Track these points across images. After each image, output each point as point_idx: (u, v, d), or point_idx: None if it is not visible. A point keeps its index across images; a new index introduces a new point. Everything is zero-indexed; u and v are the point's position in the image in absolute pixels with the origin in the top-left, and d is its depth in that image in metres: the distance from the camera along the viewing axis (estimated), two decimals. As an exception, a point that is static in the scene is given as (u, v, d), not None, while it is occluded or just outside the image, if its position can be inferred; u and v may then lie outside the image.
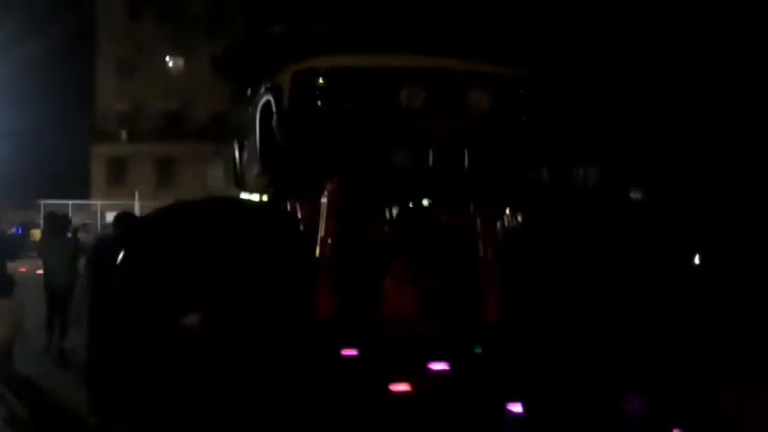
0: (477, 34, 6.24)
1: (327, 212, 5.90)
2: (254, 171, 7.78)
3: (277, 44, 6.88)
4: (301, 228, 6.11)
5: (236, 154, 9.28)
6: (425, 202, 6.01)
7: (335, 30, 6.46)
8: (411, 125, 5.52)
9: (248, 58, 15.60)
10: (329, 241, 5.90)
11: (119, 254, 6.16)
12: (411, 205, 6.01)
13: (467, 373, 5.97)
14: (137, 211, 31.10)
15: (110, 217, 32.97)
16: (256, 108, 7.04)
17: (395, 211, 6.09)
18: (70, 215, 16.98)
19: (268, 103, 6.16)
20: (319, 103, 5.51)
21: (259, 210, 6.42)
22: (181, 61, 42.37)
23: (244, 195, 9.88)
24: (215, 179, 41.59)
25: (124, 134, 42.25)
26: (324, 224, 5.94)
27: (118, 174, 41.76)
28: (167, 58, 42.57)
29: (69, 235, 10.27)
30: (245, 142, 8.67)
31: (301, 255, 5.95)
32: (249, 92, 9.08)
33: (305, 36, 6.53)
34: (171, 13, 40.03)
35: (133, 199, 35.29)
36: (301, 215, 6.38)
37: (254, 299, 5.77)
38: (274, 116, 5.81)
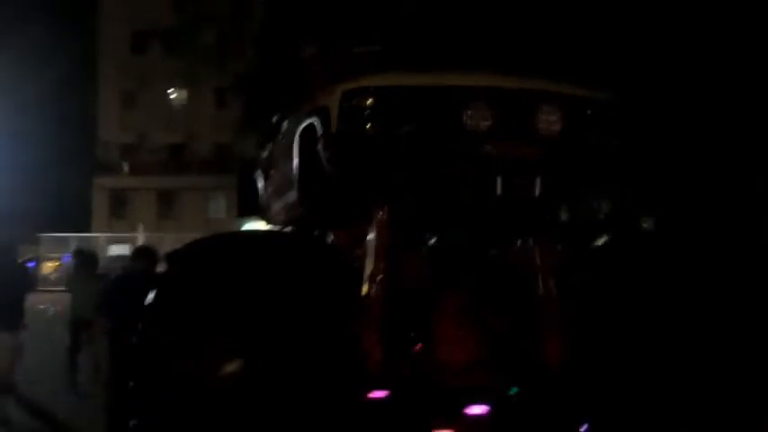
0: (547, 50, 5.74)
1: (377, 247, 5.37)
2: (283, 202, 7.27)
3: (317, 63, 6.37)
4: (352, 264, 5.59)
5: (261, 184, 8.77)
6: (483, 233, 5.50)
7: (386, 46, 5.93)
8: (475, 150, 5.01)
9: (278, 80, 15.19)
10: (379, 279, 5.37)
11: (145, 292, 5.63)
12: (468, 237, 5.49)
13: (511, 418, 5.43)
14: (141, 244, 30.66)
15: (113, 250, 32.51)
16: (292, 133, 6.54)
17: (448, 243, 5.56)
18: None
19: (310, 126, 5.66)
20: (371, 126, 5.00)
21: (310, 245, 5.89)
22: (184, 94, 42.11)
23: (266, 228, 9.40)
24: (217, 211, 41.30)
25: (126, 166, 41.89)
26: (373, 260, 5.41)
27: (119, 206, 41.32)
28: (170, 91, 42.32)
29: (97, 271, 10.51)
30: (271, 171, 8.17)
31: (355, 295, 5.43)
32: (278, 118, 8.63)
33: (351, 53, 5.99)
34: (175, 45, 39.82)
35: (134, 231, 34.86)
36: (344, 249, 5.86)
37: (305, 344, 5.24)
38: (319, 140, 5.29)
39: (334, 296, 5.64)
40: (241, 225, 32.91)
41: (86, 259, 10.44)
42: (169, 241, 30.81)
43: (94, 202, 42.57)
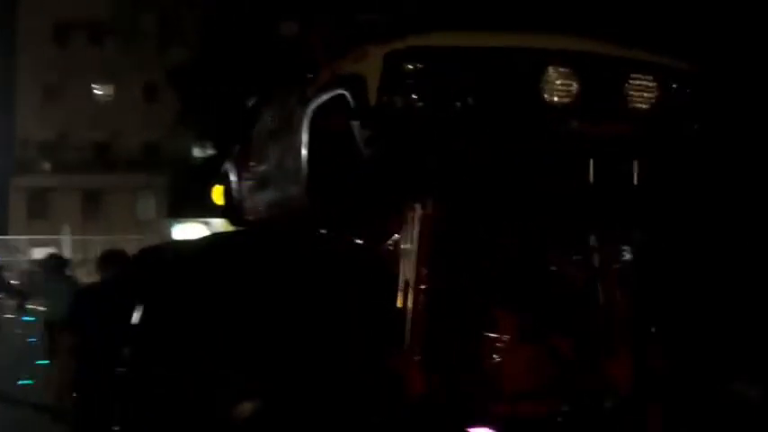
0: (638, 13, 4.77)
1: (420, 250, 4.35)
2: (268, 198, 6.17)
3: (320, 34, 5.30)
4: (384, 271, 4.56)
5: (233, 180, 7.63)
6: (559, 234, 4.53)
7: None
8: (557, 128, 4.04)
9: (251, 62, 13.95)
10: (421, 290, 4.36)
11: (123, 308, 4.49)
12: (538, 237, 4.51)
13: None
14: (66, 247, 28.78)
15: (35, 253, 30.52)
16: (290, 117, 5.47)
17: (511, 246, 4.57)
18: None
19: (328, 104, 4.61)
20: (424, 97, 3.97)
21: (327, 248, 4.82)
22: (110, 89, 40.13)
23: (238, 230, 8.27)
24: (147, 212, 39.44)
25: (48, 165, 39.68)
26: (413, 266, 4.39)
27: (40, 207, 39.08)
28: (95, 86, 40.30)
29: (68, 273, 10.74)
30: (250, 164, 7.05)
31: (388, 309, 4.41)
32: (256, 104, 7.52)
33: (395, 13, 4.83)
34: (99, 38, 37.97)
35: (56, 233, 32.98)
36: (370, 253, 4.82)
37: (332, 379, 4.20)
38: (349, 118, 4.24)
39: (362, 310, 4.62)
40: (173, 226, 31.24)
41: (58, 263, 10.47)
42: (97, 243, 29.17)
43: (11, 202, 40.25)
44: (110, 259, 5.64)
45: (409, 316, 4.44)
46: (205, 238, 5.48)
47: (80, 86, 39.41)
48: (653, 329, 4.74)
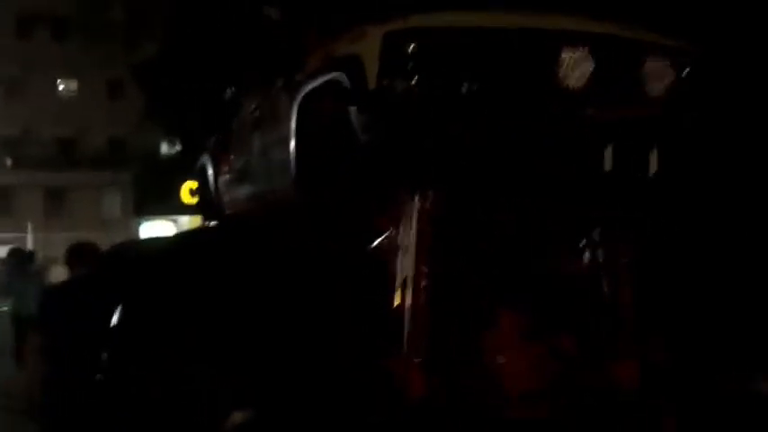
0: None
1: (419, 245, 4.08)
2: (254, 191, 5.87)
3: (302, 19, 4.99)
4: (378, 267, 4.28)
5: (210, 174, 7.31)
6: (570, 226, 4.28)
7: None
8: (570, 114, 3.80)
9: (227, 51, 13.54)
10: (420, 287, 4.09)
11: (96, 308, 4.17)
12: (547, 231, 4.26)
13: None
14: (30, 245, 28.12)
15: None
16: (275, 104, 5.18)
17: (508, 239, 4.31)
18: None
19: (320, 89, 4.33)
20: (426, 79, 3.70)
21: (318, 242, 4.53)
22: (74, 84, 39.39)
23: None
24: (112, 209, 38.77)
25: (10, 161, 38.82)
26: (411, 262, 4.12)
27: (2, 204, 38.23)
28: (59, 81, 39.53)
29: (34, 269, 10.90)
30: (229, 157, 6.74)
31: (383, 307, 4.14)
32: (234, 93, 7.22)
33: None
34: (64, 32, 37.28)
35: (21, 230, 32.32)
36: (365, 249, 4.54)
37: (325, 382, 3.93)
38: (344, 102, 3.96)
39: (356, 309, 4.35)
40: (140, 224, 30.66)
41: (21, 258, 10.50)
42: (61, 241, 28.58)
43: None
44: (80, 254, 5.28)
45: (407, 315, 4.19)
46: (187, 234, 5.17)
47: (43, 81, 38.65)
48: (658, 325, 4.53)
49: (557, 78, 3.79)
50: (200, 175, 7.77)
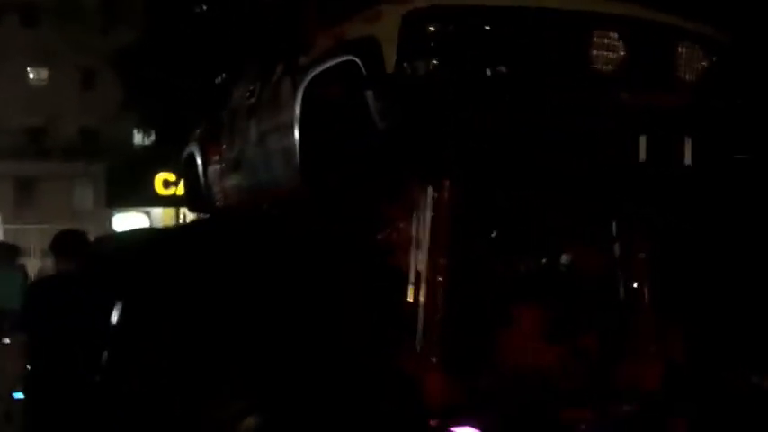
0: None
1: (436, 238, 3.87)
2: (250, 181, 5.61)
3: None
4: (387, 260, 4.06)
5: (199, 164, 7.01)
6: (596, 218, 4.08)
7: None
8: (600, 99, 3.60)
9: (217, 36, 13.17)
10: (436, 283, 3.88)
11: (103, 309, 3.89)
12: (570, 223, 4.06)
13: None
14: (0, 236, 27.50)
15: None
16: (279, 88, 4.92)
17: (528, 232, 4.10)
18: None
19: (327, 74, 4.09)
20: (449, 63, 3.48)
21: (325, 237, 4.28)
22: (45, 73, 38.63)
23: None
24: (83, 201, 38.11)
25: (-23, 151, 38.04)
26: (426, 257, 3.91)
27: (-31, 195, 37.44)
28: (29, 69, 38.74)
29: (18, 262, 10.50)
30: (222, 145, 6.46)
31: (394, 304, 3.92)
32: (226, 80, 6.95)
33: None
34: (35, 19, 36.51)
35: (-10, 222, 31.62)
36: (375, 242, 4.31)
37: (336, 384, 3.71)
38: (358, 89, 3.73)
39: (367, 306, 4.13)
40: (112, 215, 30.00)
41: (5, 250, 10.25)
42: (32, 233, 27.97)
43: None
44: (67, 243, 4.93)
45: (422, 312, 3.98)
46: (187, 227, 4.88)
47: (13, 69, 37.86)
48: (677, 323, 4.37)
49: (587, 63, 3.59)
50: (187, 166, 7.46)
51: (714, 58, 3.84)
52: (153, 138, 26.84)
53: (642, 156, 3.75)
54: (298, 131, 4.45)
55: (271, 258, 4.26)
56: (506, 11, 3.60)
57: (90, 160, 35.56)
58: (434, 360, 3.86)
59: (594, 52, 3.60)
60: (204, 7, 18.68)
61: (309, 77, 4.33)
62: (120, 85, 24.31)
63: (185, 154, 7.54)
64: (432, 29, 3.52)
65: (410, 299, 4.01)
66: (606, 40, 3.61)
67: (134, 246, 4.46)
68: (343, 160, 4.15)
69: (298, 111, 4.44)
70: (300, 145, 4.44)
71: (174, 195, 26.58)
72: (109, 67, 24.03)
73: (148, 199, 27.88)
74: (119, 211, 32.06)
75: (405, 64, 3.54)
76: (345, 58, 3.92)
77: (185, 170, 7.62)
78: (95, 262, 4.61)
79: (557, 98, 3.57)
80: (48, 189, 37.40)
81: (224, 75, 7.09)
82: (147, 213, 30.68)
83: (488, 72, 3.50)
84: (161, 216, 28.36)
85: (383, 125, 3.69)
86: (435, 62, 3.51)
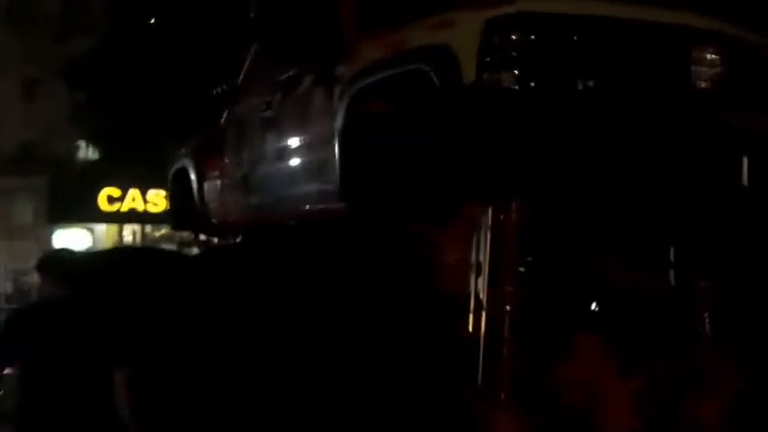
0: None
1: (503, 262, 3.56)
2: (268, 198, 5.20)
3: None
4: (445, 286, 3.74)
5: (193, 178, 6.58)
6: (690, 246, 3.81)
7: None
8: (700, 119, 3.35)
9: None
10: (500, 312, 3.57)
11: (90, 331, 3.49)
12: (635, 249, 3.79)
13: None
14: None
15: None
16: (310, 98, 4.57)
17: (600, 258, 3.82)
18: None
19: (388, 83, 3.75)
20: (537, 76, 3.20)
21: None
22: (-17, 83, 37.38)
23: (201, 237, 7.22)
24: (23, 217, 36.84)
25: None
26: (488, 283, 3.60)
27: None
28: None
29: None
30: (226, 159, 6.05)
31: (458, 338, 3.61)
32: (228, 89, 6.55)
33: None
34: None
35: None
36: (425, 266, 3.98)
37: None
38: (435, 99, 3.40)
39: (420, 337, 3.80)
40: (53, 231, 29.03)
41: None
42: (-33, 250, 26.80)
43: None
44: (55, 264, 4.44)
45: (483, 344, 3.66)
46: (210, 251, 4.44)
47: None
48: (745, 354, 4.13)
49: (684, 79, 3.35)
50: (177, 182, 7.02)
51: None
52: (98, 152, 26.17)
53: (727, 178, 3.52)
54: (338, 145, 4.11)
55: (309, 286, 3.93)
56: (601, 21, 3.34)
57: (30, 175, 34.48)
58: (499, 397, 3.55)
59: (693, 68, 3.37)
60: (154, 21, 18.21)
61: (356, 88, 4.00)
62: (69, 96, 23.60)
63: (174, 169, 7.09)
64: (518, 37, 3.23)
65: (470, 329, 3.71)
66: (705, 56, 3.38)
67: (148, 268, 4.05)
68: (395, 176, 3.83)
69: (339, 123, 4.11)
70: (341, 160, 4.10)
71: (119, 212, 25.80)
72: (58, 78, 23.26)
73: (92, 215, 27.09)
74: (60, 228, 31.08)
75: (485, 74, 3.25)
76: (409, 67, 3.60)
77: (173, 186, 7.17)
78: (100, 284, 4.17)
79: (651, 114, 3.32)
80: (-16, 204, 36.14)
81: (224, 83, 6.69)
82: (90, 230, 29.76)
83: (579, 85, 3.23)
84: (104, 233, 27.51)
85: (452, 138, 3.37)
86: (521, 73, 3.22)
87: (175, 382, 3.77)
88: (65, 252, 4.95)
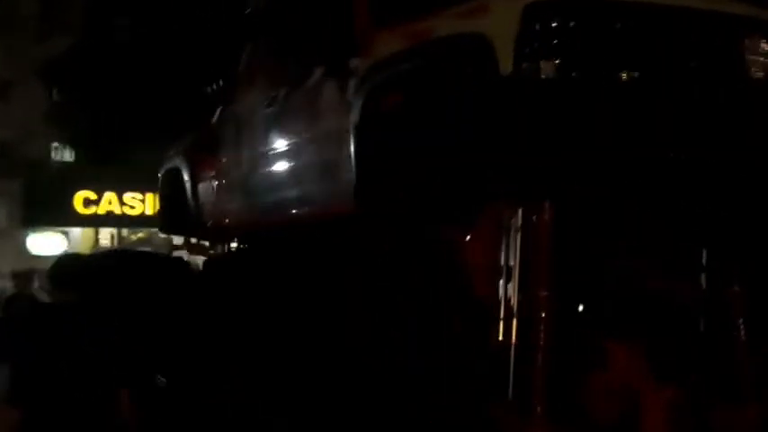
0: None
1: (535, 266, 3.35)
2: (272, 199, 4.95)
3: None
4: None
5: (185, 178, 6.31)
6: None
7: None
8: (756, 113, 3.15)
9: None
10: (534, 320, 3.34)
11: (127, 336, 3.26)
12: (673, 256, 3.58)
13: None
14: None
15: None
16: (319, 93, 4.32)
17: (636, 265, 3.62)
18: None
19: (413, 74, 3.52)
20: (580, 65, 2.99)
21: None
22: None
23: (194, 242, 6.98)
24: (-4, 220, 36.24)
25: None
26: (518, 288, 3.38)
27: None
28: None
29: None
30: (223, 159, 5.78)
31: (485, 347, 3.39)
32: (226, 85, 6.29)
33: None
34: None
35: None
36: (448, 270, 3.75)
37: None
38: (470, 91, 3.17)
39: (445, 345, 3.58)
40: (27, 235, 28.51)
41: None
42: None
43: None
44: (67, 274, 4.20)
45: (515, 352, 3.45)
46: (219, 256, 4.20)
47: None
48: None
49: (737, 70, 3.15)
50: (168, 183, 6.72)
51: None
52: (74, 154, 25.72)
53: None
54: (355, 142, 3.87)
55: (327, 292, 3.70)
56: (651, 8, 3.12)
57: (4, 177, 33.88)
58: (534, 410, 3.33)
59: (748, 58, 3.17)
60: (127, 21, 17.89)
61: (373, 81, 3.75)
62: (45, 97, 23.17)
63: (165, 170, 6.81)
64: (559, 24, 3.02)
65: (498, 337, 3.49)
66: (759, 45, 3.18)
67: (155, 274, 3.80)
68: (415, 174, 3.60)
69: (355, 118, 3.87)
70: (357, 156, 3.85)
71: (95, 215, 25.38)
72: (33, 78, 22.81)
73: (68, 218, 26.63)
74: (34, 231, 30.55)
75: (524, 64, 3.03)
76: (435, 58, 3.37)
77: (165, 188, 6.88)
78: (105, 290, 3.92)
79: (702, 106, 3.11)
80: (-45, 207, 35.46)
81: (220, 80, 6.43)
82: (66, 234, 29.27)
83: (624, 75, 3.02)
84: (80, 237, 27.05)
85: (487, 134, 3.14)
86: (562, 62, 3.01)
87: (175, 382, 3.54)
88: (69, 258, 4.76)
